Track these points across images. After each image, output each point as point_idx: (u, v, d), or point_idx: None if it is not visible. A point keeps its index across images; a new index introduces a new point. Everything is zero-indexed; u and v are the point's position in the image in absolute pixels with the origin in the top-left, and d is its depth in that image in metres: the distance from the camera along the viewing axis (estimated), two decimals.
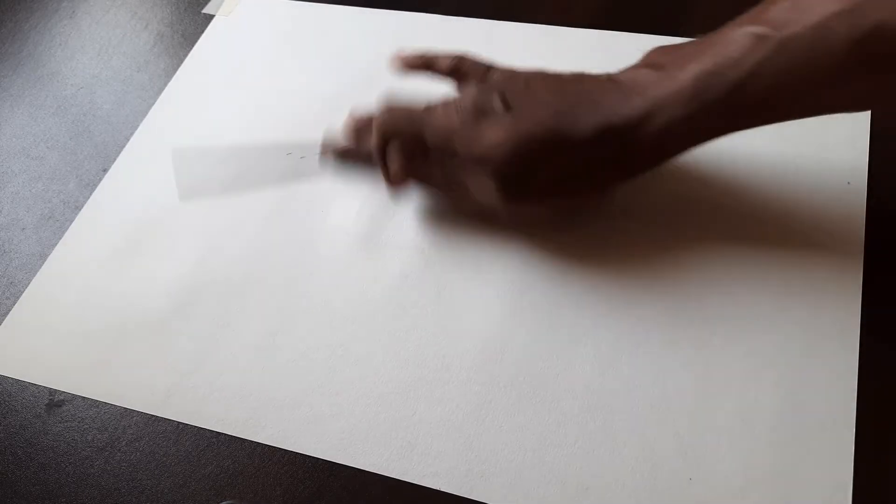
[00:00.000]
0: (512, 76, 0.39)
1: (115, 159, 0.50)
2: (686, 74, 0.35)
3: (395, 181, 0.40)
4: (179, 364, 0.41)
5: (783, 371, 0.37)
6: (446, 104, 0.39)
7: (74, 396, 0.41)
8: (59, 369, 0.42)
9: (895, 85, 0.34)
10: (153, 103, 0.53)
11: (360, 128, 0.43)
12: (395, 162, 0.39)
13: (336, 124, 0.46)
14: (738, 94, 0.34)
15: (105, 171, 0.50)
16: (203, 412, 0.39)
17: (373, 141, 0.40)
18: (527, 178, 0.37)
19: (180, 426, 0.39)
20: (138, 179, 0.49)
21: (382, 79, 0.51)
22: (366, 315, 0.41)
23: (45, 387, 0.41)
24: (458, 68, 0.41)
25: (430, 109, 0.39)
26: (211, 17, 0.58)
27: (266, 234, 0.45)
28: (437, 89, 0.42)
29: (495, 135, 0.37)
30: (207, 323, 0.42)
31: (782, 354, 0.37)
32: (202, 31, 0.57)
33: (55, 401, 0.41)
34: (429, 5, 0.55)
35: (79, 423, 0.40)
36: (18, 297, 0.45)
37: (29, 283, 0.45)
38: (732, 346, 0.38)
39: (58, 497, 0.38)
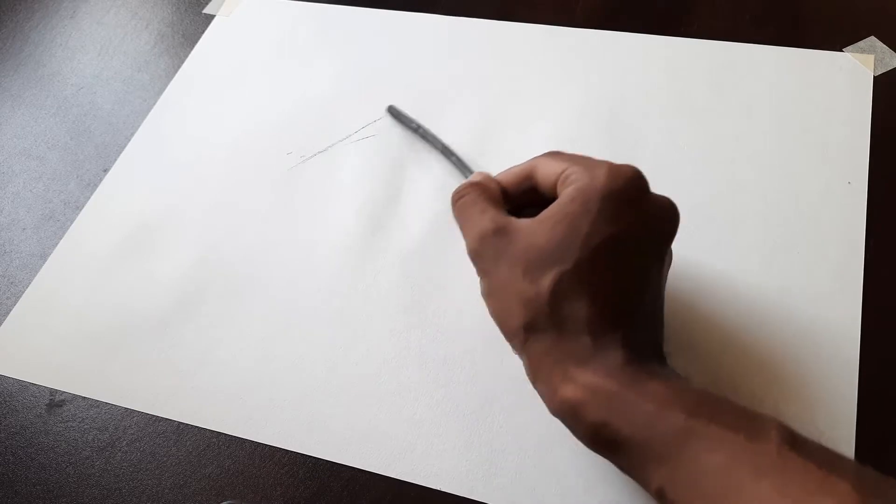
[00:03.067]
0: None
1: (115, 159, 0.50)
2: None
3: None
4: (180, 364, 0.41)
5: (784, 370, 0.37)
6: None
7: (75, 396, 0.41)
8: (60, 369, 0.42)
9: None
10: (154, 103, 0.53)
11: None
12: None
13: (335, 124, 0.46)
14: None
15: (106, 171, 0.50)
16: (203, 412, 0.39)
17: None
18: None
19: (180, 426, 0.39)
20: (139, 180, 0.49)
21: (382, 78, 0.51)
22: (366, 315, 0.41)
23: (45, 387, 0.41)
24: None
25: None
26: (211, 17, 0.58)
27: (266, 234, 0.45)
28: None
29: None
30: (208, 323, 0.42)
31: (783, 354, 0.37)
32: (203, 31, 0.57)
33: (56, 401, 0.41)
34: (429, 5, 0.55)
35: (79, 423, 0.40)
36: (19, 297, 0.45)
37: (30, 283, 0.45)
38: (732, 346, 0.38)
39: (58, 497, 0.38)
